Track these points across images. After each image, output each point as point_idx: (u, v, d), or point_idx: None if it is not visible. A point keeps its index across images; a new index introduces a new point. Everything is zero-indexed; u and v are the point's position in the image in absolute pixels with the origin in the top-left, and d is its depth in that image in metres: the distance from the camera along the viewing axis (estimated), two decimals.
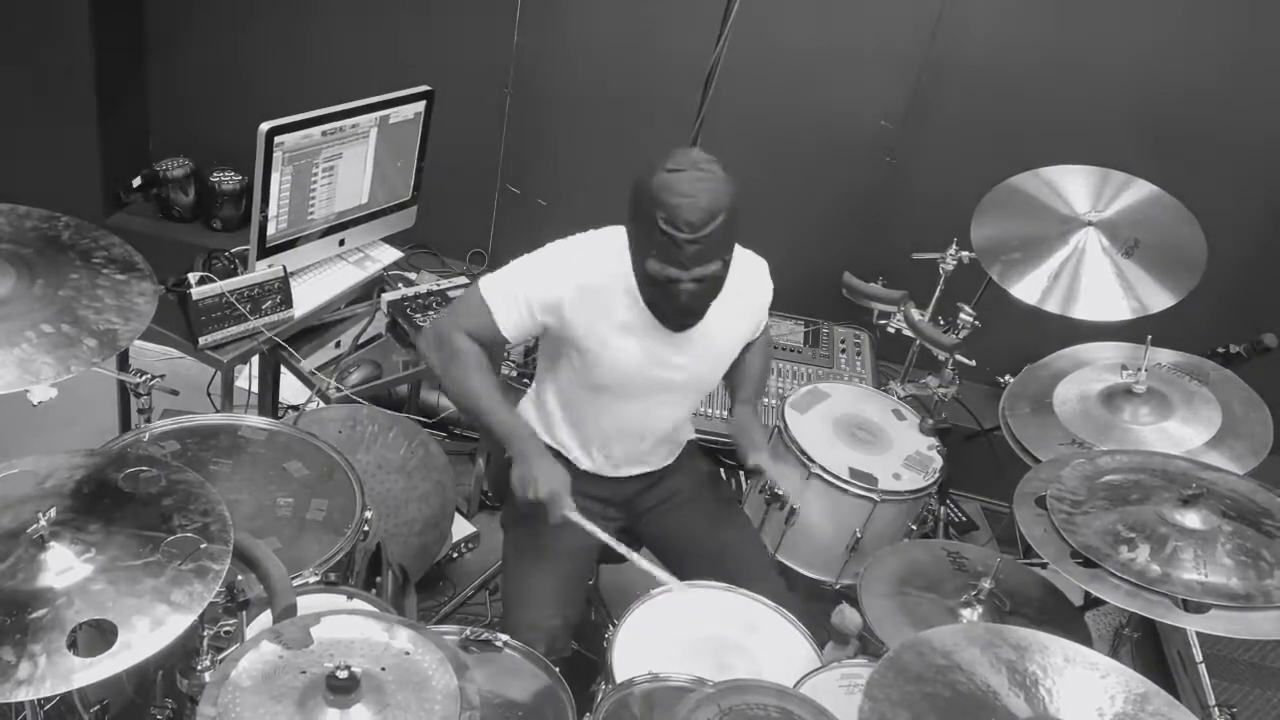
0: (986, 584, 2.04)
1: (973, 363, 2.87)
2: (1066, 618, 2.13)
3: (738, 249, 2.06)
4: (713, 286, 1.99)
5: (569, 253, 2.11)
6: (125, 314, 1.84)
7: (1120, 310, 2.62)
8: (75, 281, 1.87)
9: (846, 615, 2.09)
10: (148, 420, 2.32)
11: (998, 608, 2.07)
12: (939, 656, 1.58)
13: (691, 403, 2.31)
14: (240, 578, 1.67)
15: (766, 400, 3.18)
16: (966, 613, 2.06)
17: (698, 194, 1.87)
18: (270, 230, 2.63)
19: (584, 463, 2.31)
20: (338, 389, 2.67)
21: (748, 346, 2.36)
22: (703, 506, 2.39)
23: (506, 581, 2.27)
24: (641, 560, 2.16)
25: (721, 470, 3.13)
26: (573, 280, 2.07)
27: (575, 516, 2.13)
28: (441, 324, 2.18)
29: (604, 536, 2.15)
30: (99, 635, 1.43)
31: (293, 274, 2.67)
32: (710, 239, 1.90)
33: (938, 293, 2.93)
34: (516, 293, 2.09)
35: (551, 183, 3.67)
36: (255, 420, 2.34)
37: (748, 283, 2.20)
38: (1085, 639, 2.07)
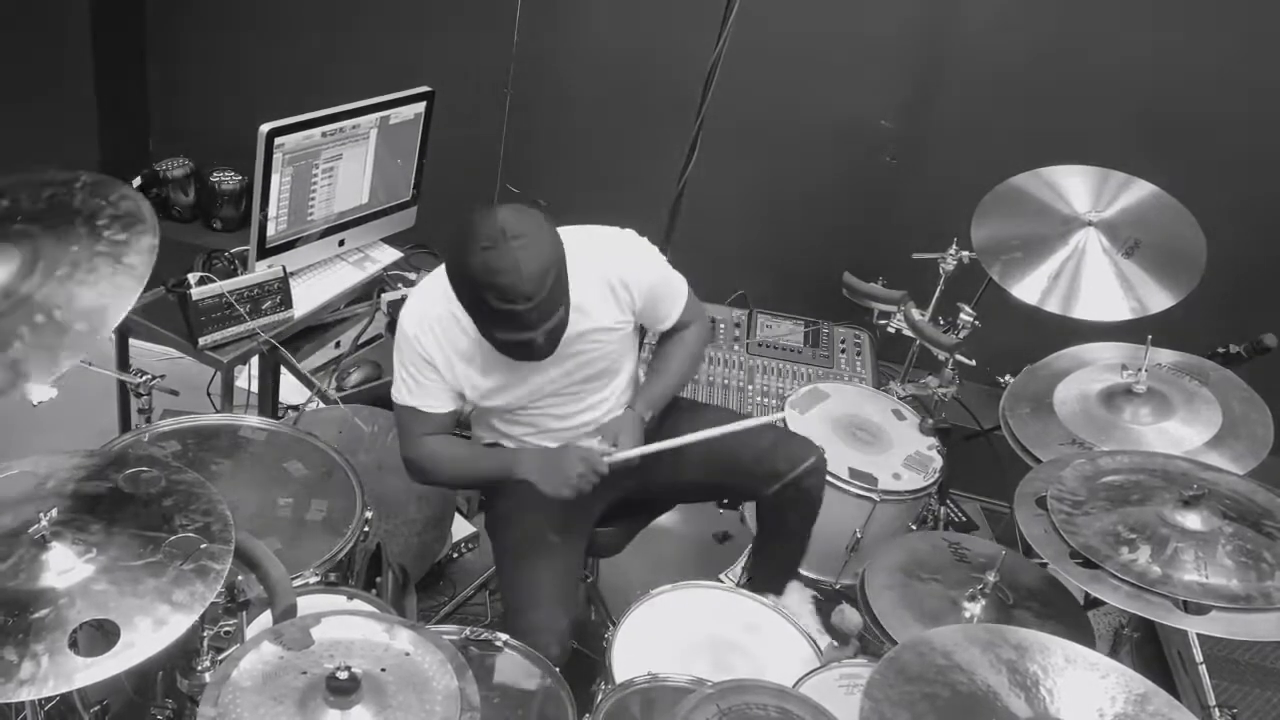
0: (991, 577, 2.03)
1: (973, 363, 2.87)
2: (1071, 613, 2.12)
3: (587, 232, 2.10)
4: (563, 325, 1.99)
5: (413, 329, 2.11)
6: (117, 287, 1.75)
7: (1120, 310, 2.62)
8: (74, 254, 1.79)
9: (846, 615, 2.09)
10: (148, 420, 2.32)
11: (1001, 601, 2.07)
12: (939, 656, 1.58)
13: (608, 380, 2.24)
14: (240, 578, 1.67)
15: (766, 400, 3.18)
16: (970, 605, 2.05)
17: (521, 264, 1.84)
18: (270, 231, 2.62)
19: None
20: (338, 389, 2.67)
21: (668, 335, 2.29)
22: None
23: (505, 587, 2.26)
24: (700, 435, 2.15)
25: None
26: (434, 348, 2.09)
27: (619, 456, 2.11)
28: (405, 453, 2.22)
29: (654, 448, 2.14)
30: (100, 635, 1.43)
31: (292, 274, 2.67)
32: (549, 298, 1.90)
33: (938, 293, 2.93)
34: (417, 379, 2.13)
35: (551, 183, 3.66)
36: (255, 420, 2.34)
37: (597, 262, 2.12)
38: (1089, 633, 2.07)
